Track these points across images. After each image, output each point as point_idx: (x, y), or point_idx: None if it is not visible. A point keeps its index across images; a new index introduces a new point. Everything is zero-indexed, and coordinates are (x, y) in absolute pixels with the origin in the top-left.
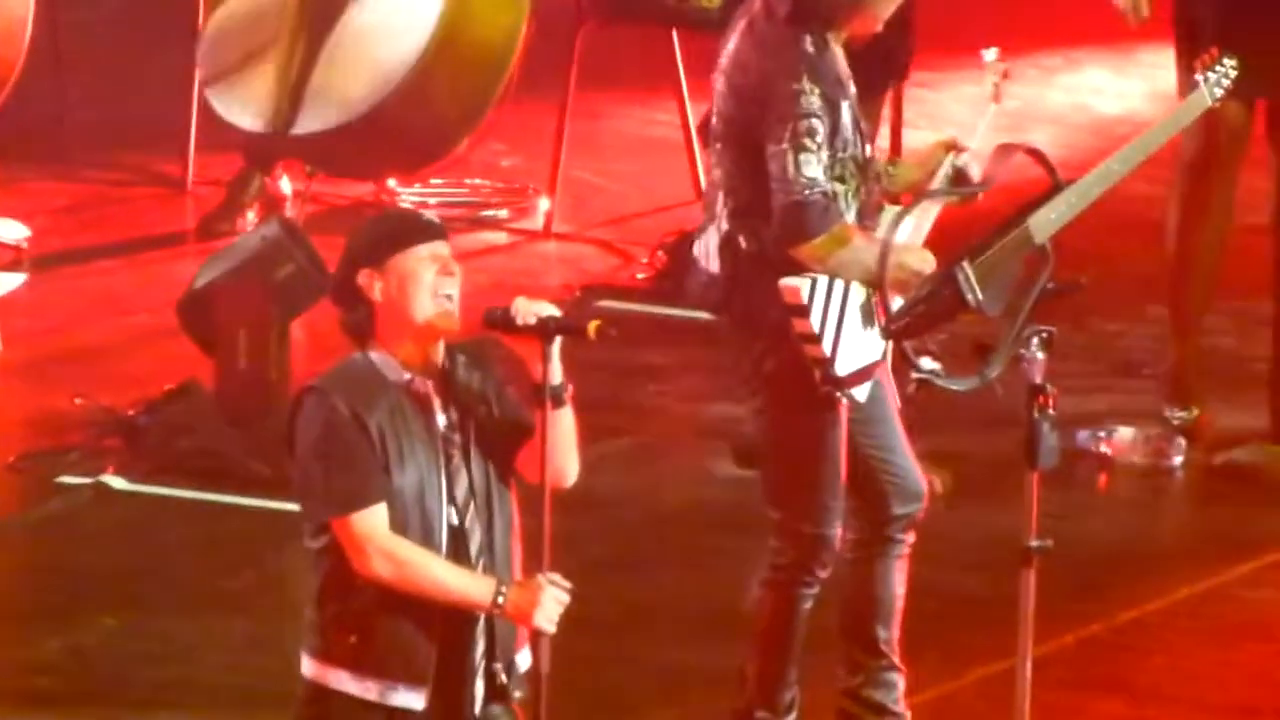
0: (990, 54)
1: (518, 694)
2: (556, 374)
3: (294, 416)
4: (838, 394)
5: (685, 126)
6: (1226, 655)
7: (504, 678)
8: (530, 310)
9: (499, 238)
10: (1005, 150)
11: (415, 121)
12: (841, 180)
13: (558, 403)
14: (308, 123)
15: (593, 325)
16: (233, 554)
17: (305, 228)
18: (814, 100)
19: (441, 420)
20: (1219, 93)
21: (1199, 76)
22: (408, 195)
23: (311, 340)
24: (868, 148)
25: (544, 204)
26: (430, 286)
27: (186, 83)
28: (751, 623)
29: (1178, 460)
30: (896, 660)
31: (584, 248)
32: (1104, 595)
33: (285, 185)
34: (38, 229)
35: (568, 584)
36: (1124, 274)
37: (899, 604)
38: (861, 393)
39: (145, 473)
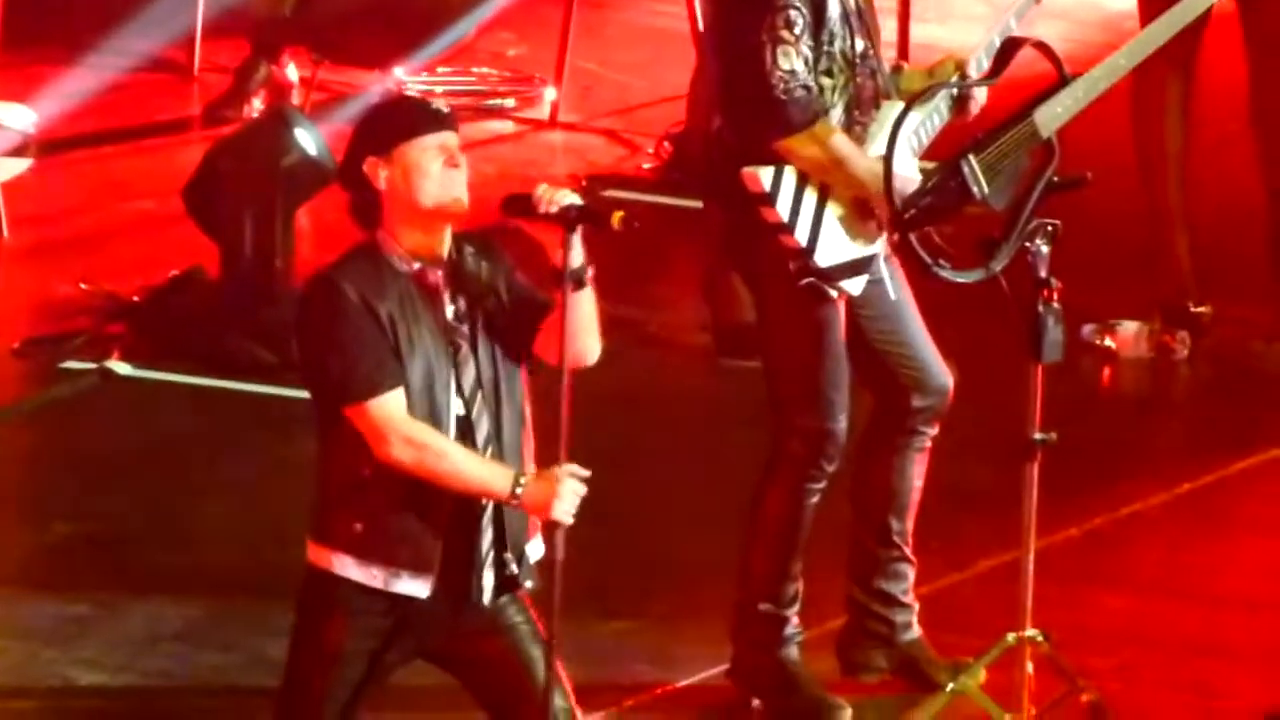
0: None
1: (529, 584)
2: (578, 257)
3: (304, 306)
4: (825, 287)
5: (692, 17)
6: (1228, 549)
7: (514, 568)
8: (553, 198)
9: (505, 127)
10: (1012, 44)
11: (421, 6)
12: (829, 74)
13: (579, 285)
14: (315, 6)
15: (616, 215)
16: (236, 440)
17: (311, 115)
18: None
19: (450, 310)
20: None
21: None
22: (415, 84)
23: (317, 227)
24: (859, 41)
25: (550, 93)
26: (436, 177)
27: None
28: (754, 516)
29: (1182, 354)
30: (909, 552)
31: (590, 137)
32: (1107, 489)
33: (291, 72)
34: (44, 114)
35: (586, 473)
36: (1130, 168)
37: (915, 496)
38: (855, 285)
39: (149, 358)
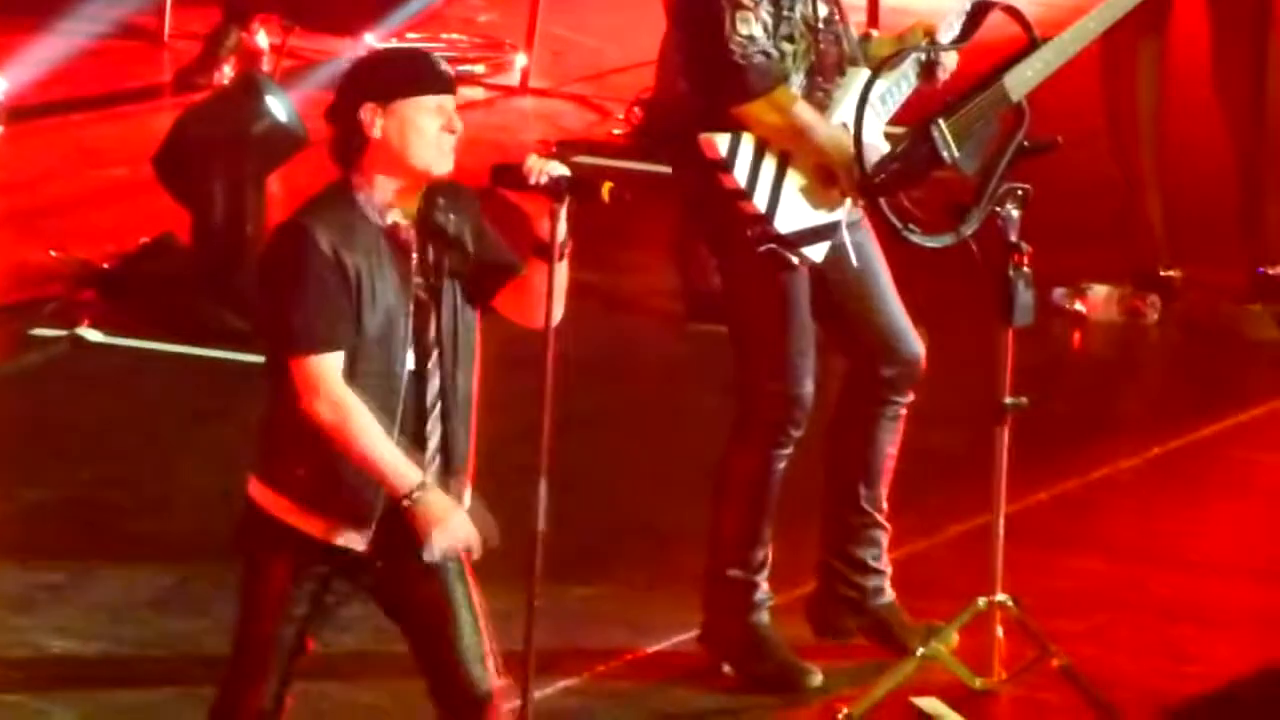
0: None
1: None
2: (562, 230)
3: (271, 247)
4: (786, 253)
5: None
6: (1199, 512)
7: None
8: (543, 169)
9: (475, 93)
10: (981, 8)
11: None
12: (790, 40)
13: (559, 257)
14: None
15: (606, 187)
16: (207, 406)
17: (282, 81)
18: None
19: (415, 262)
20: None
21: None
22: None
23: (288, 194)
24: (822, 6)
25: (520, 59)
26: (431, 140)
27: None
28: (722, 482)
29: (1153, 318)
30: (881, 518)
31: (560, 103)
32: (1078, 453)
33: (262, 39)
34: (14, 82)
35: (488, 535)
36: (1101, 131)
37: (888, 463)
38: (817, 252)
39: (120, 325)
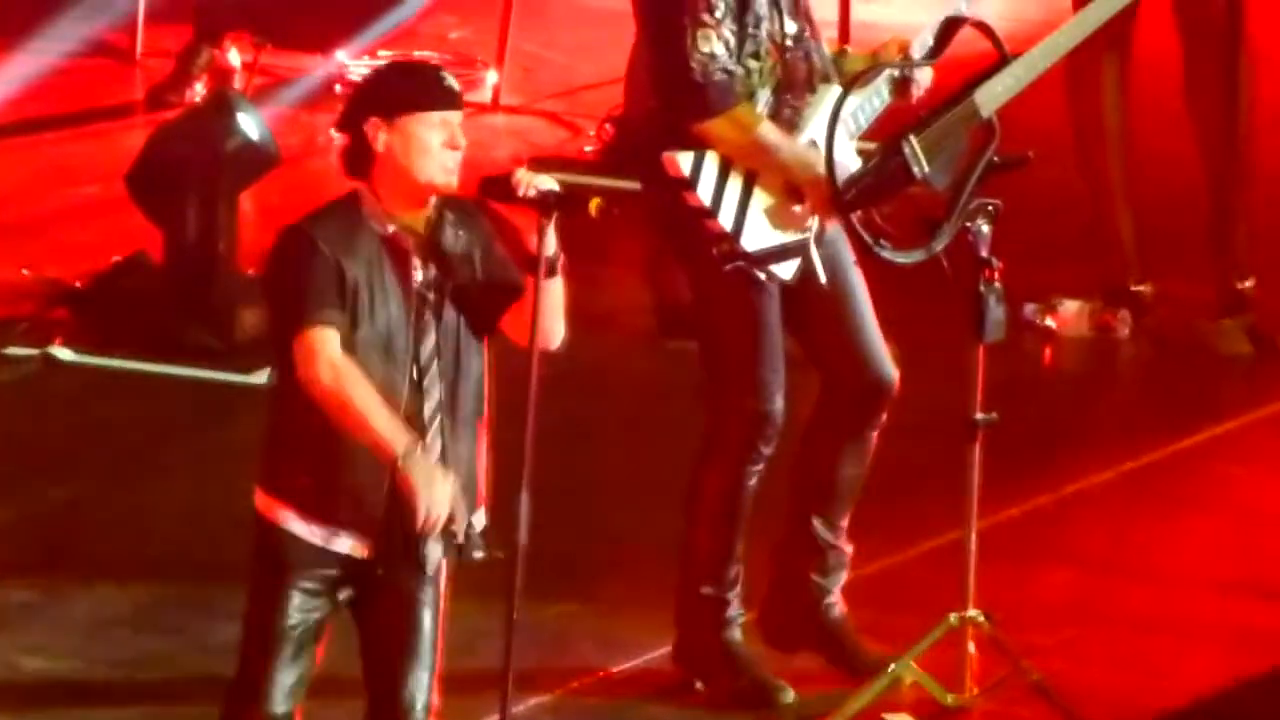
0: None
1: (477, 554)
2: (552, 244)
3: (275, 250)
4: (753, 270)
5: None
6: (1171, 527)
7: (461, 537)
8: (532, 183)
9: None
10: (952, 24)
11: None
12: (755, 57)
13: (551, 272)
14: None
15: (594, 202)
16: (180, 425)
17: (254, 99)
18: None
19: (419, 275)
20: None
21: None
22: (357, 68)
23: (260, 213)
24: (790, 23)
25: (492, 76)
26: (435, 155)
27: None
28: (693, 499)
29: (1124, 333)
30: (839, 541)
31: (532, 120)
32: (1049, 468)
33: (234, 57)
34: None
35: (474, 523)
36: (1070, 146)
37: (855, 487)
38: (785, 270)
39: (93, 344)
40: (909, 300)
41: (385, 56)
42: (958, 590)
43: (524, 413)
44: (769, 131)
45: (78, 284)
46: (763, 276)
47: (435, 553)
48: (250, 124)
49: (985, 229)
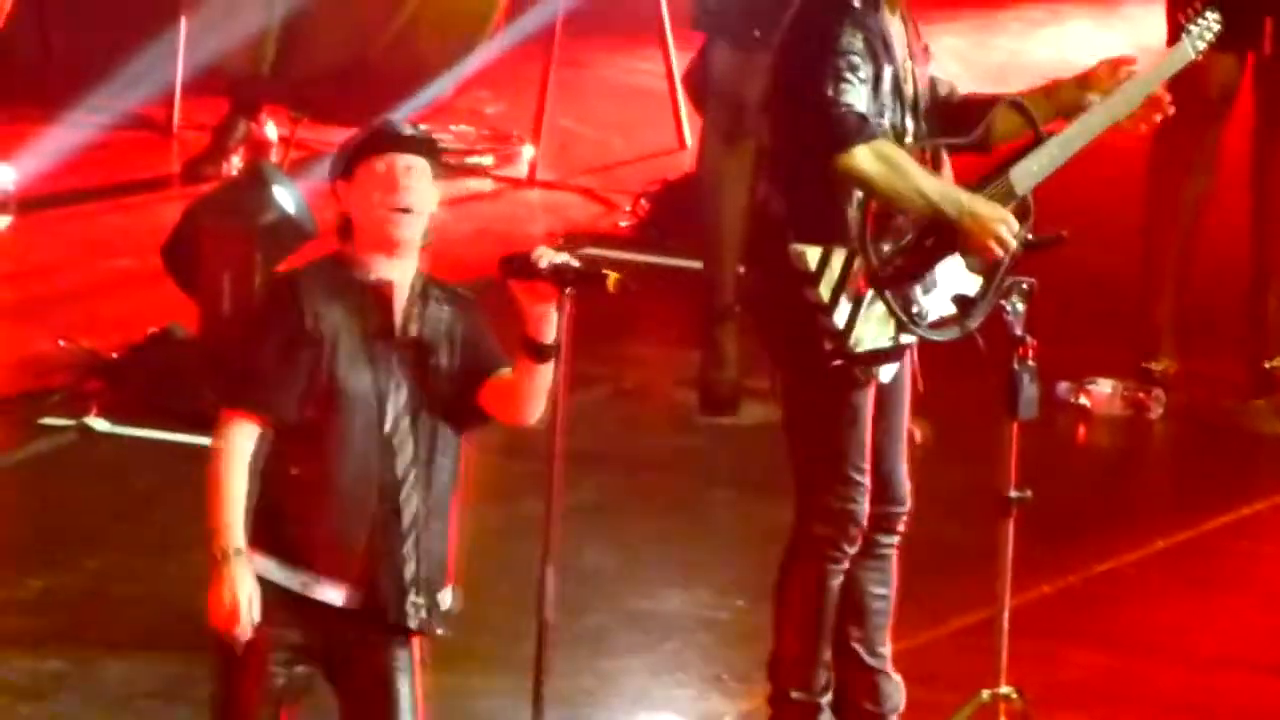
0: None
1: (439, 631)
2: (553, 333)
3: (258, 297)
4: (857, 371)
5: (670, 75)
6: (1202, 607)
7: (425, 613)
8: (551, 258)
9: (484, 185)
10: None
11: (400, 65)
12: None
13: (544, 357)
14: (293, 65)
15: (613, 278)
16: None
17: (290, 173)
18: (856, 43)
19: (399, 326)
20: (1202, 46)
21: (1184, 28)
22: None
23: None
24: (910, 120)
25: (528, 151)
26: (376, 198)
27: (172, 27)
28: (780, 601)
29: (1157, 413)
30: (881, 666)
31: (567, 195)
32: (1081, 546)
33: (271, 130)
34: (24, 172)
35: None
36: (1107, 226)
37: (878, 605)
38: (886, 373)
39: (128, 415)
40: (942, 375)
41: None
42: (989, 667)
43: (549, 485)
44: (911, 163)
45: (113, 355)
46: (865, 378)
47: (416, 610)
48: (286, 197)
49: (1020, 307)
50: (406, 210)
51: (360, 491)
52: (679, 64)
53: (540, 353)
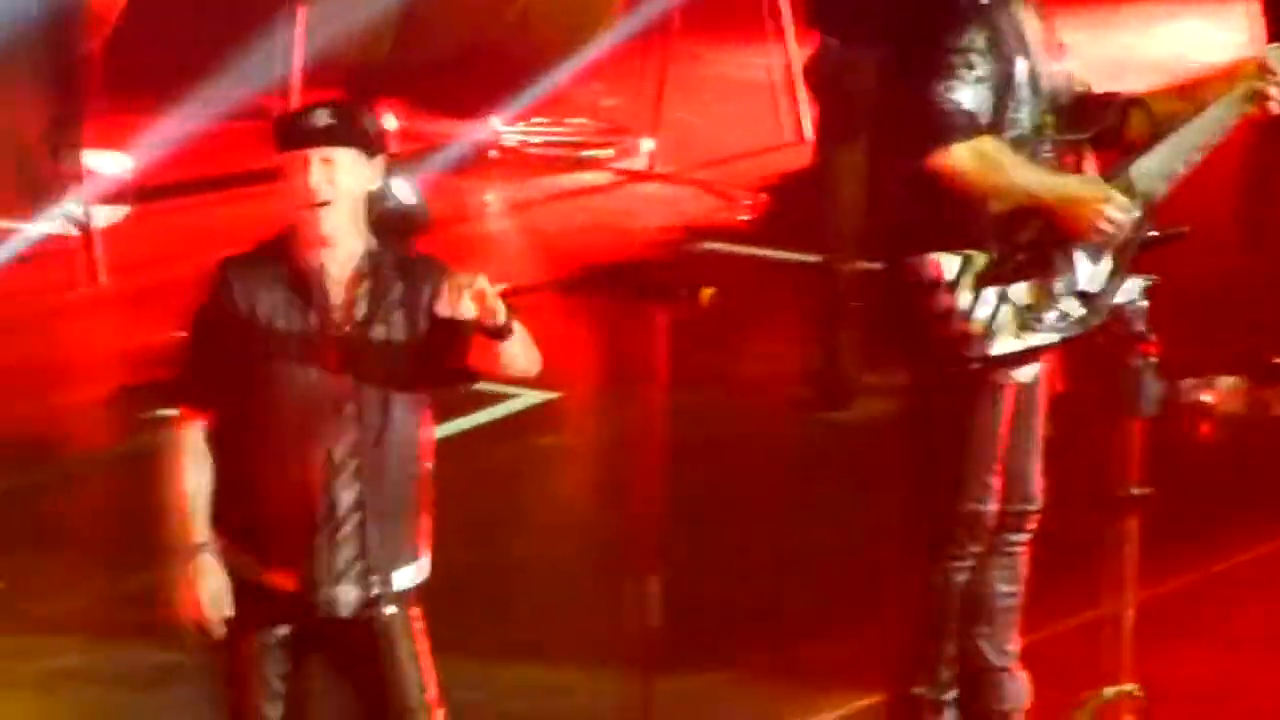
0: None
1: (390, 609)
2: (502, 314)
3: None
4: (995, 375)
5: (787, 69)
6: None
7: (377, 589)
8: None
9: (601, 177)
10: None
11: (516, 55)
12: (1014, 145)
13: (503, 335)
14: (409, 55)
15: (706, 292)
16: None
17: (406, 164)
18: (978, 40)
19: (337, 312)
20: None
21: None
22: (511, 134)
23: None
24: (1050, 115)
25: (646, 144)
26: (293, 195)
27: (290, 17)
28: (904, 601)
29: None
30: (1007, 664)
31: (683, 189)
32: (1202, 544)
33: (387, 122)
34: (141, 162)
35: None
36: (1229, 222)
37: (1006, 603)
38: (1026, 374)
39: None
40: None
41: (538, 122)
42: (1109, 664)
43: (661, 480)
44: (1010, 157)
45: None
46: (1003, 382)
47: (349, 596)
48: (402, 188)
49: (1142, 304)
50: (323, 204)
51: (296, 478)
52: (798, 58)
53: (498, 334)
